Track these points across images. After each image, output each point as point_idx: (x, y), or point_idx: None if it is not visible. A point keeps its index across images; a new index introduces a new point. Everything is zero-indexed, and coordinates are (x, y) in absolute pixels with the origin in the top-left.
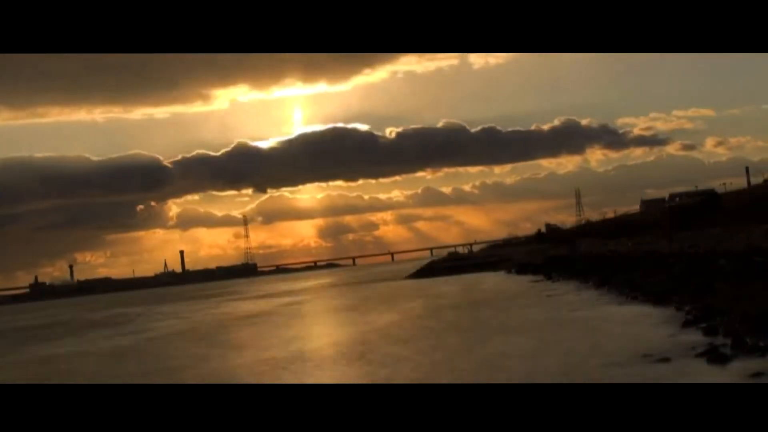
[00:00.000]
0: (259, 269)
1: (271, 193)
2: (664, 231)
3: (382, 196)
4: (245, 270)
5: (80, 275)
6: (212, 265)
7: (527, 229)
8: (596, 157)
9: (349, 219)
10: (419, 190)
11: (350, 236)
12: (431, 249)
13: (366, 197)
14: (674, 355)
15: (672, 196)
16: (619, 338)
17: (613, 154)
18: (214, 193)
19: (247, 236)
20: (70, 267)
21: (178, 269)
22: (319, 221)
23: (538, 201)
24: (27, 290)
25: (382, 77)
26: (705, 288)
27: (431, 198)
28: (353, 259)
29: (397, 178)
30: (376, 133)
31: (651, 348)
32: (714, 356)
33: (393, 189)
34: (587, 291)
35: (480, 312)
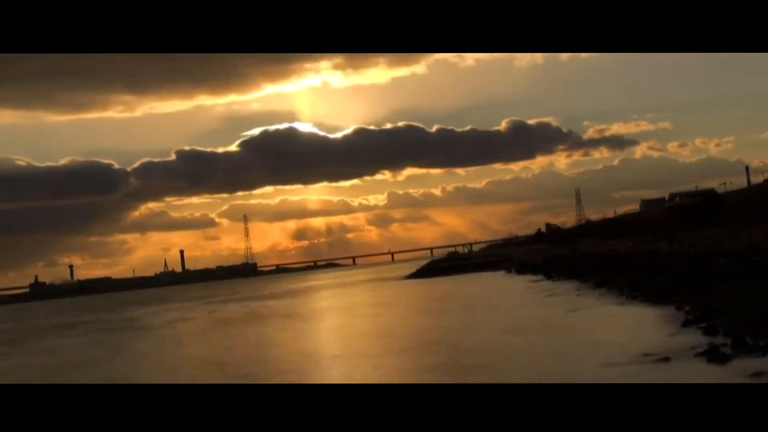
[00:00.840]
0: (259, 269)
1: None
2: (664, 231)
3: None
4: (245, 270)
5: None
6: (212, 265)
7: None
8: (562, 159)
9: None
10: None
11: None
12: (431, 249)
13: (335, 199)
14: (674, 355)
15: (672, 196)
16: (619, 338)
17: (578, 157)
18: (170, 199)
19: (247, 236)
20: (70, 267)
21: (178, 269)
22: (290, 223)
23: (505, 204)
24: (27, 290)
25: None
26: (705, 288)
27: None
28: (353, 258)
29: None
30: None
31: (651, 348)
32: (714, 356)
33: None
34: (587, 291)
35: (480, 312)
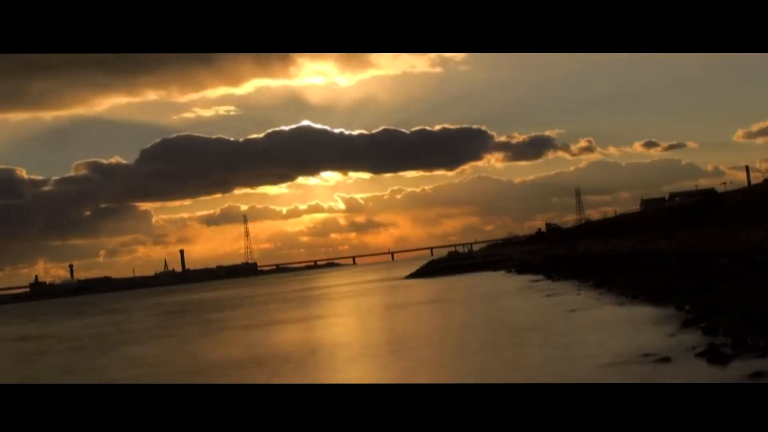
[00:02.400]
0: (259, 269)
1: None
2: (664, 230)
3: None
4: (246, 269)
5: None
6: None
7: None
8: (497, 164)
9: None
10: None
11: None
12: (431, 248)
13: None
14: (674, 355)
15: (672, 196)
16: (619, 338)
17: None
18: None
19: (247, 235)
20: (70, 266)
21: (178, 269)
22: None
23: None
24: (27, 290)
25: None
26: (705, 288)
27: None
28: (353, 258)
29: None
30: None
31: (651, 348)
32: (714, 356)
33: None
34: (587, 290)
35: (479, 312)
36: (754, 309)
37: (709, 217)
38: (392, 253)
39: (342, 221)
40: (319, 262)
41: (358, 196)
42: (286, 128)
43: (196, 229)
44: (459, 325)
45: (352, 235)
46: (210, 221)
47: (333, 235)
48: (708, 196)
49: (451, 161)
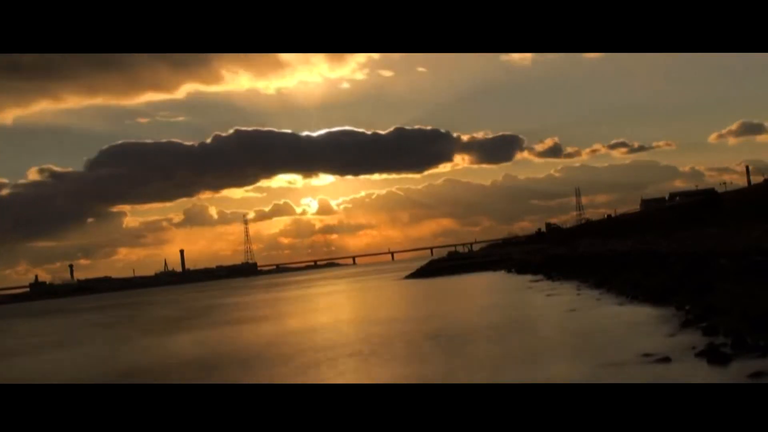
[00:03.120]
0: (259, 269)
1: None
2: (664, 230)
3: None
4: (246, 269)
5: None
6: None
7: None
8: (466, 165)
9: None
10: None
11: None
12: (431, 248)
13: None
14: (674, 355)
15: (672, 196)
16: (619, 338)
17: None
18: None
19: (247, 235)
20: (70, 266)
21: (178, 268)
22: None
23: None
24: (27, 290)
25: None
26: (705, 288)
27: None
28: (353, 258)
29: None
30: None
31: (651, 348)
32: (714, 356)
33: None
34: (587, 290)
35: (479, 312)
36: (754, 309)
37: (709, 217)
38: (392, 253)
39: (317, 224)
40: (319, 263)
41: (328, 198)
42: (248, 129)
43: (173, 232)
44: (458, 325)
45: (334, 236)
46: (181, 224)
47: (314, 237)
48: (708, 196)
49: (418, 163)
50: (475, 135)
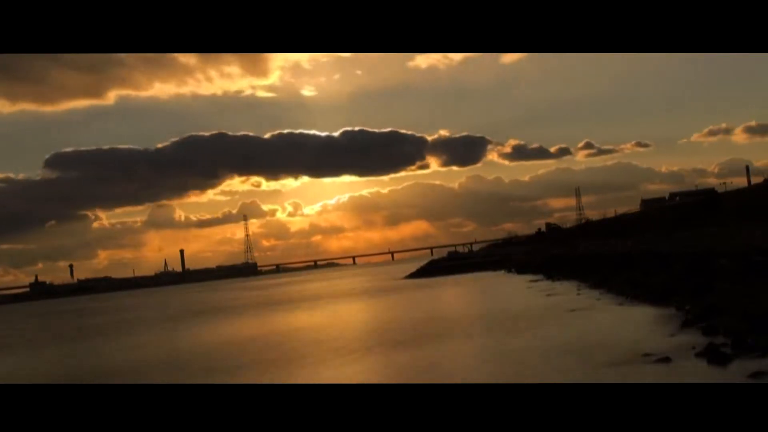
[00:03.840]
0: (259, 269)
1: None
2: (664, 230)
3: None
4: (246, 269)
5: None
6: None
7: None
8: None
9: None
10: None
11: None
12: (431, 248)
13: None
14: (674, 355)
15: (672, 196)
16: (619, 338)
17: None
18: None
19: (247, 235)
20: (70, 266)
21: (178, 268)
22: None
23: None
24: (27, 290)
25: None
26: (705, 288)
27: None
28: (353, 258)
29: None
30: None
31: (651, 348)
32: (714, 356)
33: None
34: (587, 290)
35: (479, 312)
36: (754, 309)
37: (709, 217)
38: (392, 253)
39: (293, 227)
40: (319, 263)
41: (299, 201)
42: (205, 134)
43: (150, 235)
44: (459, 325)
45: (317, 238)
46: (153, 226)
47: (293, 240)
48: (708, 196)
49: (386, 166)
50: (441, 135)
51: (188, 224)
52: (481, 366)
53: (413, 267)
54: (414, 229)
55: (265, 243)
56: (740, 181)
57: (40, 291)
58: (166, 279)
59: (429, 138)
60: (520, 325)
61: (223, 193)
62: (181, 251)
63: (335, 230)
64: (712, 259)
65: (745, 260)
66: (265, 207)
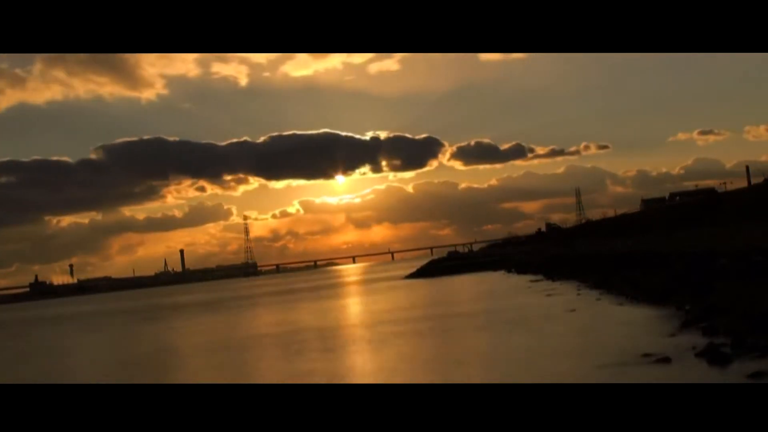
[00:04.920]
0: (259, 269)
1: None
2: (664, 230)
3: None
4: (246, 269)
5: None
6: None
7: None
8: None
9: None
10: None
11: None
12: (431, 248)
13: None
14: (674, 355)
15: (672, 196)
16: (619, 338)
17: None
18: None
19: (247, 235)
20: (70, 266)
21: (178, 268)
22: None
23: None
24: (27, 289)
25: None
26: (705, 287)
27: None
28: (353, 258)
29: None
30: None
31: (651, 348)
32: (714, 356)
33: None
34: (587, 290)
35: (481, 314)
36: (754, 309)
37: (709, 217)
38: (392, 253)
39: (254, 231)
40: (319, 263)
41: (260, 203)
42: (134, 139)
43: (112, 239)
44: (458, 326)
45: (282, 243)
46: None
47: (260, 243)
48: (708, 196)
49: (331, 167)
50: (390, 136)
51: (143, 228)
52: (481, 366)
53: (413, 267)
54: (376, 234)
55: (232, 247)
56: (711, 182)
57: (40, 291)
58: (166, 279)
59: (379, 138)
60: (519, 325)
61: (178, 197)
62: (181, 251)
63: (309, 233)
64: (712, 259)
65: (745, 260)
66: (228, 209)
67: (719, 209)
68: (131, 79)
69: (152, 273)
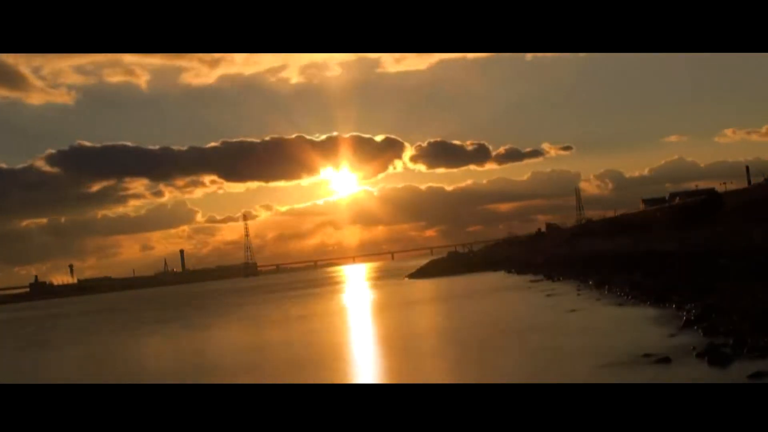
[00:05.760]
0: (259, 269)
1: None
2: (664, 231)
3: None
4: (246, 269)
5: None
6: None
7: None
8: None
9: None
10: None
11: None
12: (431, 248)
13: None
14: (675, 355)
15: (672, 196)
16: (620, 338)
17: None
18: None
19: (247, 235)
20: (70, 266)
21: (178, 268)
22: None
23: None
24: (27, 290)
25: None
26: (705, 288)
27: None
28: (353, 258)
29: None
30: None
31: (651, 348)
32: (714, 356)
33: None
34: (587, 290)
35: (482, 314)
36: (754, 309)
37: (709, 217)
38: (392, 253)
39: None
40: (319, 263)
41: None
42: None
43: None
44: (459, 326)
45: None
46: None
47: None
48: (708, 196)
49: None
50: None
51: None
52: (480, 366)
53: (413, 267)
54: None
55: (204, 250)
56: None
57: (40, 291)
58: (166, 279)
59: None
60: (519, 325)
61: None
62: (181, 251)
63: (278, 237)
64: (712, 259)
65: (745, 260)
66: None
67: (719, 209)
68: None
69: (152, 273)
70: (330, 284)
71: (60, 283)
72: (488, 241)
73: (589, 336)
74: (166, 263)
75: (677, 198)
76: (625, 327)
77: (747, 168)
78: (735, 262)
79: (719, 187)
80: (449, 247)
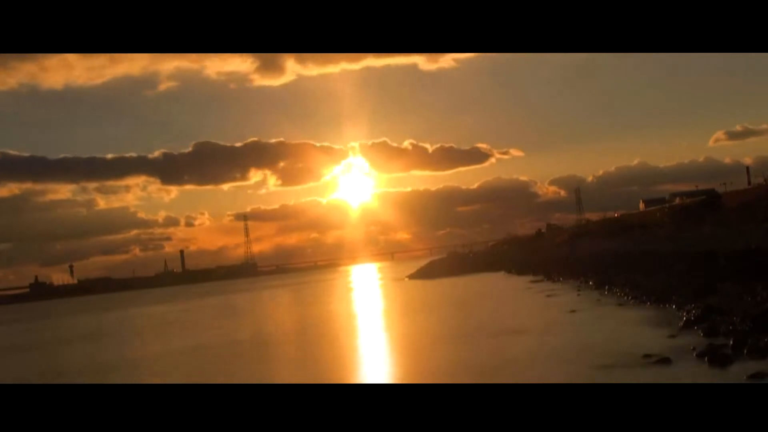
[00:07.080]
0: (259, 269)
1: None
2: (664, 231)
3: None
4: (246, 270)
5: None
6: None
7: None
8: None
9: None
10: None
11: None
12: (431, 249)
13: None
14: (675, 356)
15: (672, 196)
16: (620, 339)
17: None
18: None
19: (247, 235)
20: (70, 267)
21: (178, 269)
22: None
23: None
24: (27, 290)
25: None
26: (705, 288)
27: None
28: (354, 258)
29: None
30: None
31: (651, 348)
32: (714, 356)
33: None
34: (587, 291)
35: (483, 314)
36: (754, 309)
37: (709, 217)
38: (392, 254)
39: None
40: (319, 263)
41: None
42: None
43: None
44: (458, 327)
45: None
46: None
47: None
48: (708, 196)
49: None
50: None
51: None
52: (481, 366)
53: (413, 268)
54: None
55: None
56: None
57: (40, 291)
58: (166, 279)
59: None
60: (519, 325)
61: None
62: (181, 251)
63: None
64: (712, 259)
65: (745, 260)
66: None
67: (720, 209)
68: None
69: (152, 273)
70: (330, 284)
71: (60, 283)
72: (488, 241)
73: (589, 336)
74: (166, 263)
75: (677, 198)
76: (626, 327)
77: (747, 168)
78: (735, 262)
79: (719, 188)
80: (449, 248)
